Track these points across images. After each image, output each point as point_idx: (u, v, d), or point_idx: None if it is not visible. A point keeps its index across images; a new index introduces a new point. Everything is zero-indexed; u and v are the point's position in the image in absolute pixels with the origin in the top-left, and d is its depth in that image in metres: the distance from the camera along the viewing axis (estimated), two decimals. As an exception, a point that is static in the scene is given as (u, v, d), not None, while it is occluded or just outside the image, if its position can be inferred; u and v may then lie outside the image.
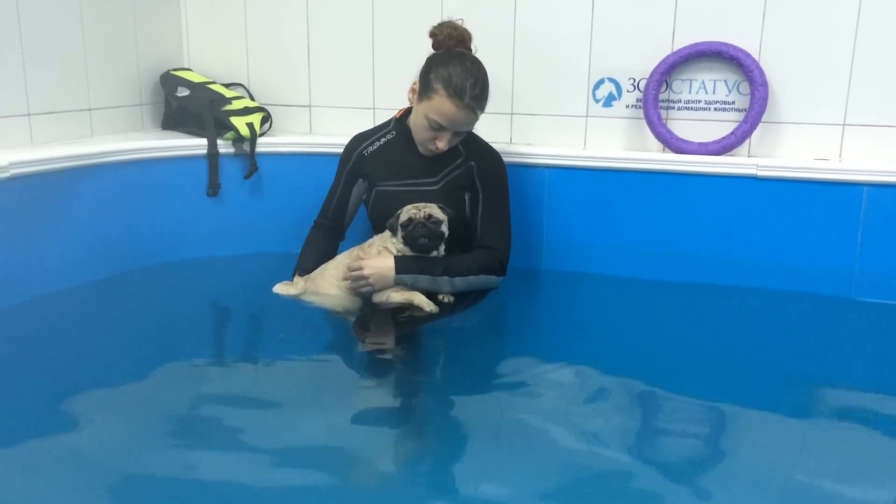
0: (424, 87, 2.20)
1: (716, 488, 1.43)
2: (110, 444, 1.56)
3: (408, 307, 2.20)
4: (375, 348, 2.09)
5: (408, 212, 2.20)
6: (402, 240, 2.21)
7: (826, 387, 1.88)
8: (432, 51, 2.27)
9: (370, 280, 2.19)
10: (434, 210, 2.21)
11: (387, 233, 2.27)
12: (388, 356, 2.05)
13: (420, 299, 2.19)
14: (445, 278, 2.23)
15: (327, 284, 2.28)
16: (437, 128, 2.20)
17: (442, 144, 2.22)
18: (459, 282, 2.25)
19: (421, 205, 2.21)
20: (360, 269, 2.20)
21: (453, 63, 2.17)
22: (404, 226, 2.20)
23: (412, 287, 2.22)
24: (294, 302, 2.28)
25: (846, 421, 1.71)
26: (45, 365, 1.91)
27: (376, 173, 2.39)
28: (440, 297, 2.26)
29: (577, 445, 1.60)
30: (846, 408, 1.77)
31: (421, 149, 2.31)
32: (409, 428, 1.69)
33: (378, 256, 2.22)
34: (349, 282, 2.23)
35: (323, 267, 2.33)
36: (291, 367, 1.97)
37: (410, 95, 2.28)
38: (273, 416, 1.69)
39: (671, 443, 1.61)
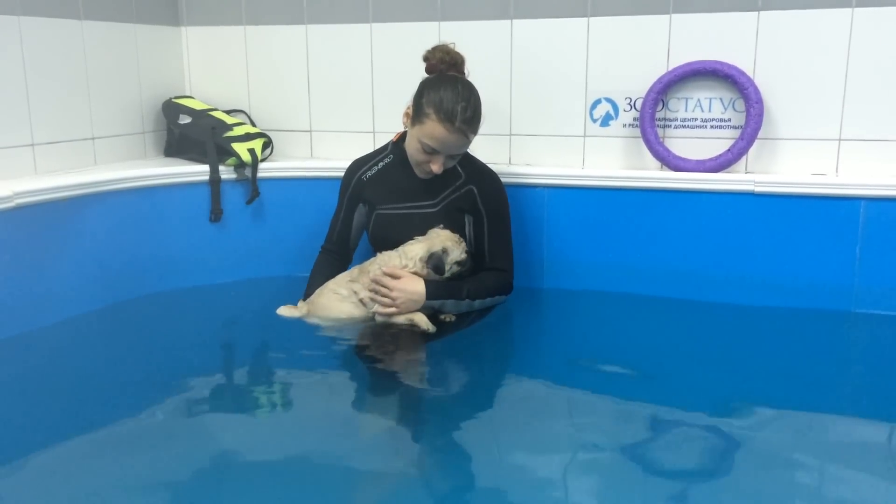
0: (417, 111, 2.22)
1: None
2: (112, 472, 1.57)
3: (408, 326, 2.21)
4: (378, 368, 2.10)
5: (459, 246, 2.25)
6: (449, 274, 2.24)
7: (828, 402, 1.88)
8: (427, 74, 2.30)
9: (397, 302, 2.20)
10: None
11: (386, 255, 2.29)
12: (390, 375, 2.05)
13: (420, 319, 2.20)
14: (466, 301, 2.28)
15: (326, 301, 2.29)
16: (430, 151, 2.22)
17: (436, 167, 2.24)
18: (477, 303, 2.32)
19: (453, 236, 2.25)
20: (388, 288, 2.20)
21: (444, 87, 2.19)
22: (463, 262, 2.25)
23: (437, 310, 2.26)
24: (297, 325, 2.29)
25: (849, 436, 1.71)
26: (51, 393, 1.92)
27: (376, 197, 2.41)
28: (442, 316, 2.28)
29: (579, 466, 1.60)
30: (850, 422, 1.77)
31: (417, 171, 2.33)
32: (413, 448, 1.69)
33: (407, 279, 2.22)
34: (368, 293, 2.25)
35: (323, 287, 2.34)
36: (296, 391, 1.98)
37: (405, 119, 2.31)
38: (278, 441, 1.70)
39: (671, 460, 1.61)
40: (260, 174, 2.75)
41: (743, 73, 2.45)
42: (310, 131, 3.02)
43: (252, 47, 3.01)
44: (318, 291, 2.34)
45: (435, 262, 2.21)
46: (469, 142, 2.25)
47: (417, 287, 2.21)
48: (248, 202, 2.75)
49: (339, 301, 2.28)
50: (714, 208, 2.46)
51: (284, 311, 2.35)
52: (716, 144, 2.55)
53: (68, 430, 1.72)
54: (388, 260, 2.27)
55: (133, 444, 1.67)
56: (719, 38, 2.49)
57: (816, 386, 1.96)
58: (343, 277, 2.34)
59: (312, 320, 2.29)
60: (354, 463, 1.60)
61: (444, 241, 2.23)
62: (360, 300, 2.27)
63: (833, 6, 2.37)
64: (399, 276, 2.22)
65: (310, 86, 2.98)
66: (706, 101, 2.55)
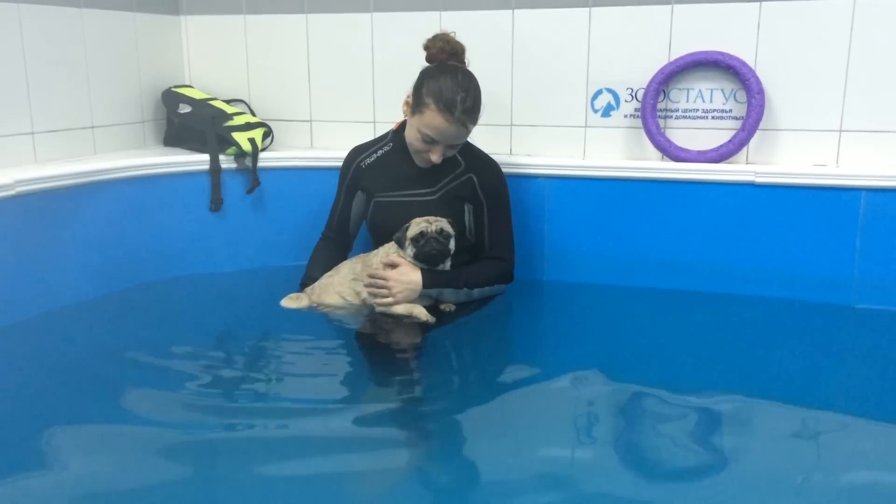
0: (416, 101, 2.22)
1: (715, 497, 1.44)
2: (114, 461, 1.57)
3: (407, 317, 2.21)
4: (378, 357, 2.10)
5: (418, 225, 2.20)
6: (411, 254, 2.22)
7: (826, 395, 1.88)
8: (427, 64, 2.30)
9: (394, 291, 2.20)
10: (444, 224, 2.22)
11: (392, 245, 2.29)
12: (390, 365, 2.06)
13: (419, 311, 2.20)
14: (465, 290, 2.28)
15: (333, 301, 2.30)
16: (429, 141, 2.21)
17: (435, 157, 2.24)
18: (476, 292, 2.32)
19: (432, 218, 2.22)
20: (384, 279, 2.21)
21: (444, 77, 2.18)
22: (415, 240, 2.20)
23: (434, 299, 2.26)
24: (297, 314, 2.29)
25: (846, 431, 1.71)
26: (50, 381, 1.92)
27: (374, 185, 2.41)
28: (441, 306, 2.28)
29: (580, 454, 1.60)
30: (847, 418, 1.77)
31: (416, 160, 2.33)
32: (412, 438, 1.70)
33: (404, 268, 2.22)
34: (366, 288, 2.24)
35: (328, 283, 2.34)
36: (295, 380, 1.98)
37: (405, 108, 2.30)
38: (276, 430, 1.70)
39: (672, 451, 1.61)
40: (260, 164, 2.75)
41: (744, 64, 2.45)
42: (310, 121, 3.01)
43: (252, 36, 3.00)
44: (322, 284, 2.34)
45: (397, 236, 2.23)
46: (468, 132, 2.24)
47: (413, 276, 2.21)
48: (249, 192, 2.74)
49: (340, 296, 2.29)
50: (715, 199, 2.46)
51: (288, 302, 2.34)
52: (717, 135, 2.55)
53: (66, 417, 1.72)
54: (388, 251, 2.28)
55: (129, 432, 1.67)
56: (721, 29, 2.48)
57: (816, 378, 1.97)
58: (346, 275, 2.32)
59: (315, 308, 2.30)
60: (352, 452, 1.60)
61: (418, 219, 2.22)
62: (364, 301, 2.27)
63: (835, -3, 2.38)
64: (397, 264, 2.22)
65: (310, 75, 2.97)
66: (707, 92, 2.55)
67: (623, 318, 2.42)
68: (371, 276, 2.23)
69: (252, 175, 2.73)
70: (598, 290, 2.59)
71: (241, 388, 1.93)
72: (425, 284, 2.21)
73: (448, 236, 2.22)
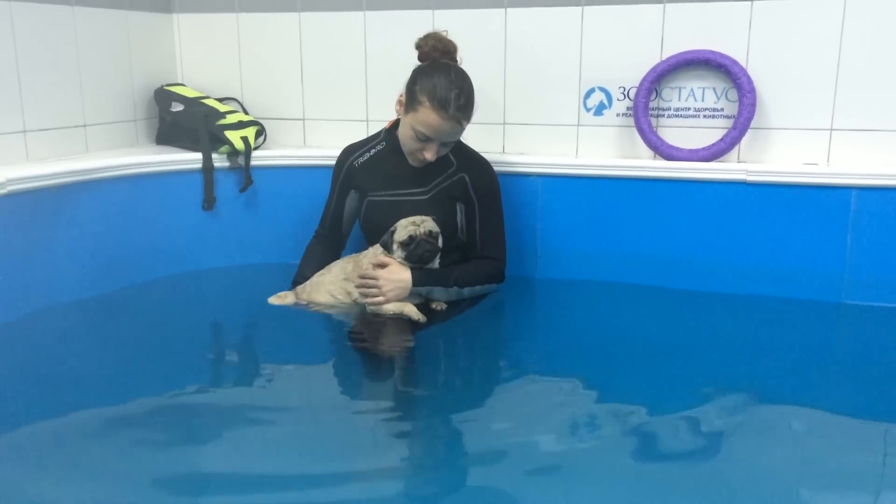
0: (410, 99, 2.22)
1: (707, 494, 1.45)
2: (106, 460, 1.56)
3: (398, 316, 2.22)
4: (369, 355, 2.10)
5: (405, 228, 2.20)
6: (401, 256, 2.22)
7: (816, 392, 1.89)
8: (419, 63, 2.30)
9: (384, 290, 2.20)
10: (431, 224, 2.22)
11: (375, 247, 2.29)
12: (381, 363, 2.06)
13: (410, 309, 2.21)
14: (455, 288, 2.29)
15: (323, 300, 2.30)
16: (423, 139, 2.22)
17: (429, 155, 2.24)
18: (467, 291, 2.32)
19: (418, 220, 2.22)
20: (375, 278, 2.21)
21: (438, 75, 2.19)
22: (405, 244, 2.20)
23: (424, 297, 2.27)
24: (289, 312, 2.29)
25: (837, 426, 1.72)
26: (42, 381, 1.91)
27: (367, 184, 2.41)
28: (433, 304, 2.29)
29: (573, 454, 1.60)
30: (837, 414, 1.77)
31: (410, 160, 2.33)
32: (403, 435, 1.70)
33: (393, 267, 2.22)
34: (357, 289, 2.25)
35: (318, 282, 2.34)
36: (287, 378, 1.98)
37: (398, 107, 2.30)
38: (272, 428, 1.70)
39: (664, 448, 1.61)
40: (253, 162, 2.74)
41: (736, 63, 2.45)
42: (303, 119, 3.01)
43: (245, 35, 3.00)
44: (314, 283, 2.34)
45: (384, 240, 2.24)
46: (462, 129, 2.25)
47: (403, 274, 2.21)
48: (242, 190, 2.74)
49: (331, 296, 2.29)
50: (707, 197, 2.47)
51: (275, 300, 2.34)
52: (709, 134, 2.56)
53: (56, 417, 1.71)
54: (377, 251, 2.28)
55: (121, 431, 1.67)
56: (713, 28, 2.49)
57: (806, 376, 1.97)
58: (338, 275, 2.33)
59: (305, 306, 2.30)
60: (344, 454, 1.59)
61: (403, 222, 2.23)
62: (355, 300, 2.27)
63: (826, -4, 2.39)
64: (386, 264, 2.23)
65: (303, 74, 2.97)
66: (699, 91, 2.56)
67: (615, 316, 2.42)
68: (361, 276, 2.23)
69: (245, 173, 2.73)
70: (591, 287, 2.59)
71: (231, 386, 1.94)
72: (415, 283, 2.22)
73: (437, 235, 2.23)
